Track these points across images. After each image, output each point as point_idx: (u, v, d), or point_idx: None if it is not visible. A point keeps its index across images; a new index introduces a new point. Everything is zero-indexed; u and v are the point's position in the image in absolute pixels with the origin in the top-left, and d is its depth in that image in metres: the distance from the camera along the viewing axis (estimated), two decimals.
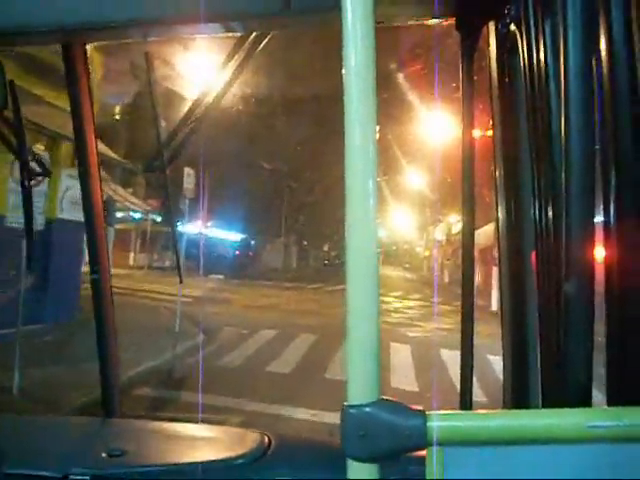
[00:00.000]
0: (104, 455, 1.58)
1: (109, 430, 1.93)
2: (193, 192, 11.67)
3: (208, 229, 31.04)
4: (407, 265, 67.30)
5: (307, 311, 16.60)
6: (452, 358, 8.80)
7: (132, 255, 29.01)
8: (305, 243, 49.64)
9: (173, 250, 27.73)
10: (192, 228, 23.27)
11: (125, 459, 1.56)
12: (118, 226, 23.89)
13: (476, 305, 1.65)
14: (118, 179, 18.46)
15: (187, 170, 11.24)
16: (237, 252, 39.92)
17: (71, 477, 1.47)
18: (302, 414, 6.42)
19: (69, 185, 10.49)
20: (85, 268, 11.21)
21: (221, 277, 24.87)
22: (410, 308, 19.44)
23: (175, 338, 9.70)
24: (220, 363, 9.03)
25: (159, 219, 27.60)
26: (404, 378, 8.43)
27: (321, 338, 11.72)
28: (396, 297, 22.81)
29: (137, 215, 26.64)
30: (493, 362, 6.74)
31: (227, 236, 38.50)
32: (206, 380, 6.52)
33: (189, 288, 17.67)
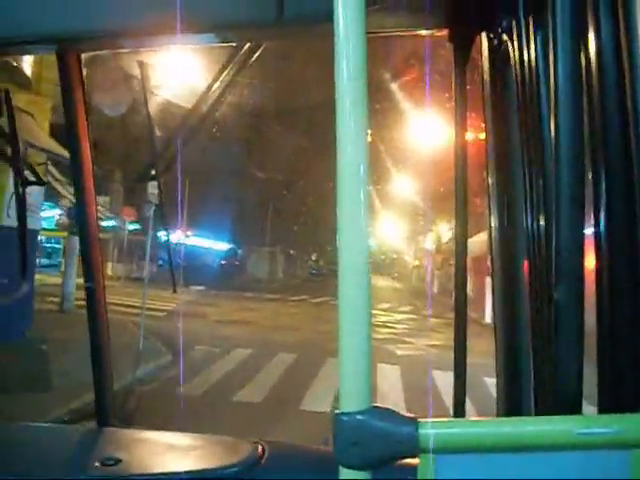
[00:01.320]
0: (97, 464, 1.55)
1: (103, 439, 1.87)
2: (157, 197, 10.55)
3: (189, 238, 30.23)
4: (396, 275, 67.24)
5: (288, 326, 15.49)
6: (446, 382, 7.70)
7: (109, 265, 27.90)
8: (292, 252, 48.95)
9: (158, 260, 28.01)
10: (173, 238, 22.39)
11: (119, 468, 1.54)
12: None
13: (469, 317, 1.67)
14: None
15: (151, 172, 10.16)
16: (223, 262, 39.57)
17: None
18: None
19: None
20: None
21: (202, 288, 23.79)
22: (399, 322, 18.29)
23: (138, 359, 8.70)
24: (183, 390, 7.94)
25: (136, 228, 26.79)
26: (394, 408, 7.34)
27: (300, 358, 10.66)
28: (384, 310, 21.67)
29: (112, 223, 25.68)
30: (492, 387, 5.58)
31: (214, 246, 38.19)
32: (162, 412, 5.69)
33: (163, 301, 16.76)
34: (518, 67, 1.02)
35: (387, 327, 16.19)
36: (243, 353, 10.89)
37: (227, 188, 29.33)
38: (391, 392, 8.36)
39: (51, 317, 12.68)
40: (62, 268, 21.34)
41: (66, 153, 2.07)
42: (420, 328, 17.46)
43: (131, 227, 27.92)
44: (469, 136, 1.58)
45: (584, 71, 0.86)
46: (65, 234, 14.94)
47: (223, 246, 39.65)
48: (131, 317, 12.69)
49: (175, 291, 2.50)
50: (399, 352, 11.91)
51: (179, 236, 24.99)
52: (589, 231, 0.85)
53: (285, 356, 10.71)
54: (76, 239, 14.40)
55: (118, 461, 1.58)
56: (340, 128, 0.76)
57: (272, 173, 31.64)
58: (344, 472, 0.75)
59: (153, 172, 2.04)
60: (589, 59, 0.86)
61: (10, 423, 2.34)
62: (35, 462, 1.64)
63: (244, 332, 13.72)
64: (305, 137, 25.23)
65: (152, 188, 10.42)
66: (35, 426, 2.47)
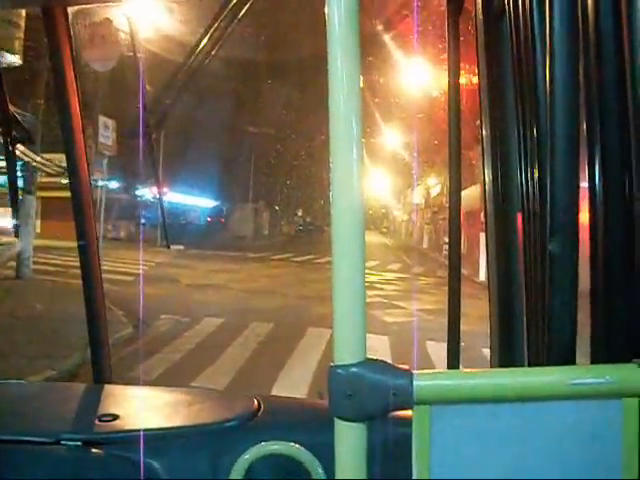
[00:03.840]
0: (95, 420, 1.58)
1: (100, 395, 1.86)
2: (113, 148, 9.20)
3: (168, 194, 29.11)
4: (384, 230, 67.22)
5: (267, 290, 14.34)
6: (441, 356, 6.62)
7: None
8: (276, 208, 48.03)
9: (139, 219, 27.35)
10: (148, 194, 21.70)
11: (116, 424, 1.56)
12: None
13: (462, 275, 1.74)
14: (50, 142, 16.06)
15: (103, 120, 8.79)
16: (209, 219, 39.16)
17: (63, 442, 1.47)
18: None
19: None
20: None
21: (181, 248, 22.59)
22: (388, 282, 17.12)
23: None
24: (134, 374, 6.78)
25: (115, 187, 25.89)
26: None
27: (277, 329, 9.53)
28: (371, 268, 20.50)
29: None
30: None
31: (200, 202, 37.70)
32: None
33: (135, 263, 15.66)
34: (512, 15, 1.00)
35: (375, 288, 15.03)
36: (213, 323, 9.74)
37: (217, 143, 29.08)
38: None
39: (2, 285, 11.56)
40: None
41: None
42: (411, 289, 16.42)
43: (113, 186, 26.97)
44: (465, 88, 1.64)
45: (580, 20, 0.83)
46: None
47: (209, 203, 39.02)
48: None
49: (169, 247, 2.91)
50: (388, 319, 10.75)
51: (154, 192, 23.87)
52: (583, 184, 0.84)
53: (260, 326, 9.56)
54: (30, 199, 13.20)
55: (116, 417, 1.59)
56: (332, 78, 0.73)
57: (264, 128, 31.54)
58: (339, 424, 0.75)
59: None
60: (585, 7, 0.83)
61: (7, 382, 2.31)
62: (33, 419, 1.64)
63: (218, 298, 12.58)
64: (300, 90, 25.05)
65: (104, 138, 9.11)
66: (32, 384, 2.72)
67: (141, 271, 15.28)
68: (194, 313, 10.29)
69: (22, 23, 8.99)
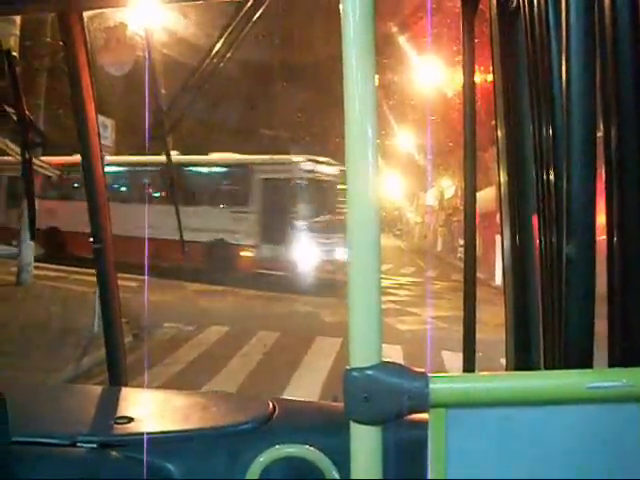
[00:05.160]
0: (111, 422, 1.60)
1: (115, 398, 1.91)
2: (112, 150, 8.85)
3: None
4: (397, 232, 66.86)
5: (275, 296, 13.86)
6: (457, 367, 6.17)
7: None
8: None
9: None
10: None
11: (132, 426, 1.58)
12: None
13: (477, 279, 1.70)
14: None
15: (101, 119, 8.39)
16: None
17: (79, 444, 1.48)
18: None
19: None
20: None
21: None
22: (401, 287, 16.64)
23: (89, 342, 7.56)
24: (137, 384, 6.39)
25: None
26: None
27: (283, 338, 9.16)
28: (384, 272, 19.87)
29: None
30: None
31: None
32: None
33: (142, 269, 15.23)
34: (528, 17, 1.00)
35: (387, 294, 14.57)
36: (218, 332, 9.40)
37: (231, 146, 29.48)
38: None
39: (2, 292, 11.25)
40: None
41: None
42: (425, 295, 16.04)
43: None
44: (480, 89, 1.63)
45: (596, 20, 0.81)
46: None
47: None
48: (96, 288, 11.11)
49: (184, 250, 2.72)
50: (400, 326, 10.32)
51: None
52: (600, 185, 0.82)
53: (266, 335, 9.19)
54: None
55: (131, 419, 1.60)
56: (347, 79, 0.73)
57: (278, 130, 31.78)
58: (355, 427, 0.75)
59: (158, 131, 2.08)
60: (602, 6, 0.81)
61: (24, 384, 2.50)
62: (49, 421, 1.65)
63: (225, 304, 12.25)
64: (314, 93, 25.13)
65: (102, 139, 8.75)
66: (48, 386, 3.03)
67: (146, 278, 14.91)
68: (198, 321, 9.95)
69: (17, 20, 8.63)
